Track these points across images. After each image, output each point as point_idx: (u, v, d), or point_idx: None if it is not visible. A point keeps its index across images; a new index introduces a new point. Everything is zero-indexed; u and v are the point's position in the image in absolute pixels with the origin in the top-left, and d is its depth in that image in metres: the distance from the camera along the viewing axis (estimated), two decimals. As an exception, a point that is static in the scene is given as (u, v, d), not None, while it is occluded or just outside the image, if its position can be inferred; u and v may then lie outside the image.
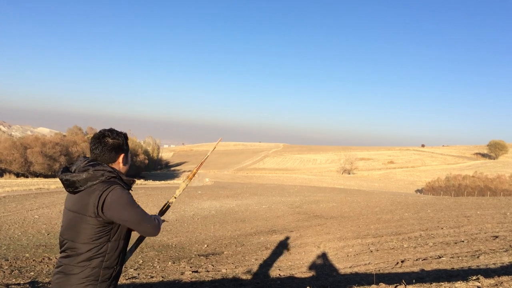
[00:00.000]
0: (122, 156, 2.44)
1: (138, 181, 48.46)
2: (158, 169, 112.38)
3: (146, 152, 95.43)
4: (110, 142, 2.38)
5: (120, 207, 2.22)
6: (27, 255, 8.46)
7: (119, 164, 2.43)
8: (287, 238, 10.95)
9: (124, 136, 2.50)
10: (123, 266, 2.66)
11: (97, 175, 2.23)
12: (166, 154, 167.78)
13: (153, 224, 2.45)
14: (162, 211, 2.96)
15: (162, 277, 6.70)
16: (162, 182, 54.93)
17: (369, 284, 4.65)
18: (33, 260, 7.90)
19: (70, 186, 2.26)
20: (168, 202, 3.05)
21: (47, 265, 7.48)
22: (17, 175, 51.05)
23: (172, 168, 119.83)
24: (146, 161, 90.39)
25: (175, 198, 3.10)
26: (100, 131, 2.43)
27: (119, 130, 2.51)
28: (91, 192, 2.22)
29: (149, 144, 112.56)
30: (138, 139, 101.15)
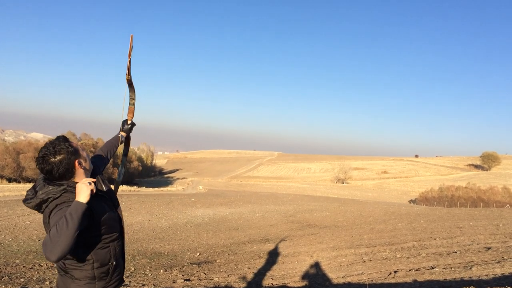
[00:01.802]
0: (76, 162, 2.31)
1: (131, 188, 48.21)
2: (152, 176, 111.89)
3: (140, 159, 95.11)
4: (56, 161, 2.24)
5: (54, 221, 2.12)
6: (17, 261, 8.37)
7: (79, 170, 2.34)
8: (280, 247, 10.91)
9: (64, 144, 2.29)
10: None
11: (45, 198, 2.22)
12: (160, 161, 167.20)
13: (50, 250, 1.98)
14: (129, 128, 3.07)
15: (154, 285, 6.65)
16: (156, 189, 54.64)
17: (362, 294, 4.64)
18: (24, 266, 7.82)
19: (34, 210, 2.30)
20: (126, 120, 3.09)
21: (37, 272, 7.40)
22: (9, 180, 50.65)
23: (166, 175, 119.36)
24: (140, 168, 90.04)
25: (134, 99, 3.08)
26: (39, 154, 2.27)
27: (55, 140, 2.32)
28: (46, 213, 2.24)
29: (143, 151, 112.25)
30: (132, 146, 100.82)
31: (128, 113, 3.13)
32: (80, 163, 2.34)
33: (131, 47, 2.83)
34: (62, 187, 2.24)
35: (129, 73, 2.92)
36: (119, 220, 2.53)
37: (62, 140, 2.33)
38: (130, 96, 3.09)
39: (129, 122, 3.12)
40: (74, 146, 2.35)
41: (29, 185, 43.42)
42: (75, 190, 2.23)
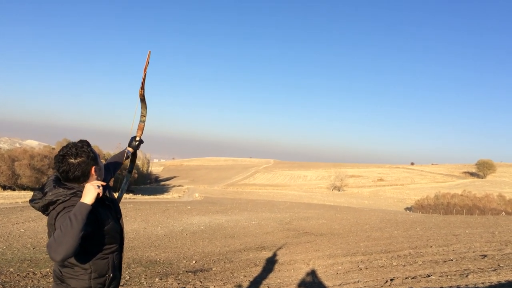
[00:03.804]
0: (93, 168, 2.34)
1: (127, 195, 48.00)
2: (148, 183, 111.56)
3: (136, 166, 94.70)
4: (76, 162, 2.26)
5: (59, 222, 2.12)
6: (11, 269, 8.29)
7: (94, 177, 2.36)
8: (276, 254, 10.88)
9: (86, 148, 2.34)
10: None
11: (54, 199, 2.21)
12: (156, 168, 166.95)
13: (54, 250, 1.97)
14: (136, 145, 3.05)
15: (149, 293, 6.60)
16: (152, 196, 54.44)
17: (358, 302, 4.63)
18: (18, 275, 7.75)
19: (39, 211, 2.29)
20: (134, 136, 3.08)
21: (32, 280, 7.33)
22: (4, 187, 50.35)
23: (162, 183, 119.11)
24: (136, 175, 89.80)
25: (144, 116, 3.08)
26: (60, 153, 2.29)
27: (78, 142, 2.36)
28: (52, 214, 2.22)
29: (139, 158, 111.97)
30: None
31: (137, 129, 3.13)
32: (96, 171, 2.36)
33: (148, 63, 2.83)
34: (72, 191, 2.24)
35: (142, 88, 2.92)
36: (121, 232, 2.52)
37: (86, 144, 2.36)
38: (141, 112, 3.09)
39: (137, 139, 3.12)
40: (95, 152, 2.38)
41: (24, 193, 43.17)
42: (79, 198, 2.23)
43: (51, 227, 2.20)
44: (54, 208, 2.20)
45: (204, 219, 22.10)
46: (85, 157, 2.29)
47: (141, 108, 3.08)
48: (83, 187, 2.27)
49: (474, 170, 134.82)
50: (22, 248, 11.15)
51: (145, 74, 2.84)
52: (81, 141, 2.38)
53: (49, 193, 2.21)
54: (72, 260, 2.22)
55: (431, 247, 10.45)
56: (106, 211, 2.36)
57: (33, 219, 17.43)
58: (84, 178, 2.30)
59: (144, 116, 3.10)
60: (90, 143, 2.41)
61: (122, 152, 3.09)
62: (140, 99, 3.00)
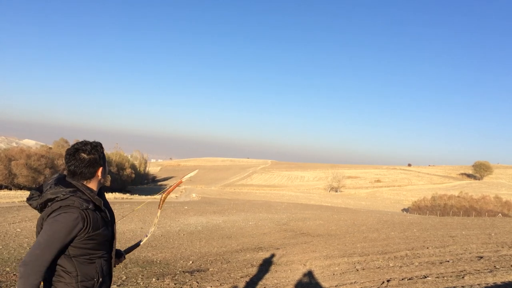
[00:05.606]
0: (100, 169, 2.37)
1: (124, 195, 48.00)
2: (145, 183, 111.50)
3: (133, 166, 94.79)
4: (87, 158, 2.28)
5: (45, 229, 2.16)
6: (7, 269, 8.27)
7: (98, 178, 2.38)
8: (273, 255, 10.88)
9: (100, 148, 2.39)
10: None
11: (52, 197, 2.20)
12: (153, 168, 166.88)
13: (24, 274, 2.09)
14: (130, 248, 2.97)
15: (146, 293, 6.59)
16: (149, 196, 54.37)
17: (355, 303, 4.63)
18: (14, 274, 7.73)
19: (36, 209, 2.29)
20: (140, 240, 3.08)
21: (28, 280, 7.32)
22: (0, 187, 50.26)
23: (159, 183, 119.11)
24: (133, 175, 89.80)
25: (148, 236, 3.10)
26: (74, 146, 2.33)
27: (93, 141, 2.40)
28: (47, 210, 2.21)
29: (136, 158, 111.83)
30: (125, 153, 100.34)
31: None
32: (102, 173, 2.40)
33: (176, 187, 2.97)
34: (72, 188, 2.25)
35: (160, 207, 3.08)
36: (112, 238, 2.50)
37: (99, 145, 2.41)
38: (153, 225, 3.15)
39: (141, 243, 3.13)
40: (105, 155, 2.44)
41: (20, 192, 43.08)
42: (83, 195, 2.25)
43: (41, 221, 2.22)
44: (50, 205, 2.21)
45: (201, 220, 22.09)
46: (97, 156, 2.34)
47: (153, 224, 3.15)
48: (84, 186, 2.31)
49: (471, 172, 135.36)
50: (18, 248, 11.13)
51: (169, 193, 2.97)
52: (96, 142, 2.42)
53: (50, 191, 2.22)
54: (59, 263, 2.21)
55: (427, 248, 10.48)
56: (98, 217, 2.33)
57: (30, 219, 17.38)
58: (90, 176, 2.33)
59: (154, 226, 3.17)
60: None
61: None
62: (157, 214, 3.13)
